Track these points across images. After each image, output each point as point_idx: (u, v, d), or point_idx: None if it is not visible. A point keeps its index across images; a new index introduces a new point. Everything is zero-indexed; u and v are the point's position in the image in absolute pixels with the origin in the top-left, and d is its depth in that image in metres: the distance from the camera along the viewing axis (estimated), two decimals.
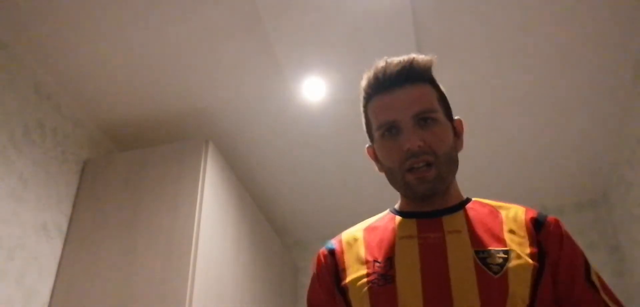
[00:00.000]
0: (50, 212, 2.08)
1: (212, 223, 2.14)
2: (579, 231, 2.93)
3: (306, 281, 3.20)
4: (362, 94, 1.01)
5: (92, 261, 2.03)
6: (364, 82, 1.00)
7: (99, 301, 1.93)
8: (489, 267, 0.84)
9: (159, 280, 1.92)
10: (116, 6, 1.89)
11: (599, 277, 0.90)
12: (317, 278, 1.01)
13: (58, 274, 2.05)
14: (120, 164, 2.26)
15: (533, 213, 0.94)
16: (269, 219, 3.17)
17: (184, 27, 1.99)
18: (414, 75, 0.95)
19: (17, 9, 1.88)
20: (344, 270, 0.95)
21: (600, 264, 2.81)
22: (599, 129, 2.53)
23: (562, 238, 0.90)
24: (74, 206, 2.21)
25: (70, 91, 2.23)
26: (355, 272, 0.93)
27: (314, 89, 2.29)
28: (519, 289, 0.82)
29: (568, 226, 2.95)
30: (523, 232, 0.90)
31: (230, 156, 2.66)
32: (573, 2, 1.92)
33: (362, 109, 1.03)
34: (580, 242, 2.89)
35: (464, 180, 2.97)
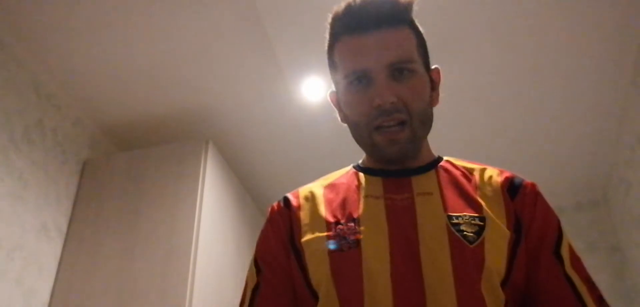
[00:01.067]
0: (50, 212, 2.08)
1: (212, 223, 2.14)
2: (579, 231, 2.93)
3: None
4: (328, 29, 0.87)
5: (92, 261, 2.03)
6: (332, 16, 0.85)
7: (98, 301, 1.93)
8: (464, 235, 0.75)
9: (159, 280, 1.92)
10: (116, 7, 1.89)
11: (571, 250, 0.80)
12: (269, 227, 0.87)
13: (58, 274, 2.05)
14: (120, 164, 2.26)
15: (508, 174, 0.85)
16: None
17: (184, 27, 1.99)
18: (393, 16, 0.82)
19: (17, 9, 1.88)
20: (300, 227, 0.83)
21: (600, 264, 2.81)
22: (599, 130, 2.53)
23: (536, 204, 0.81)
24: (74, 206, 2.21)
25: (70, 91, 2.23)
26: (312, 232, 0.81)
27: (314, 89, 2.29)
28: (496, 261, 0.74)
29: (568, 226, 2.94)
30: (498, 197, 0.81)
31: (230, 156, 2.66)
32: (573, 2, 1.92)
33: (326, 46, 0.88)
34: (580, 242, 2.89)
35: None
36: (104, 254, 2.03)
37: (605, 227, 2.90)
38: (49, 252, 2.04)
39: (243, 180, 2.83)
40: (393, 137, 0.80)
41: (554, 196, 2.98)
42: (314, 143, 2.61)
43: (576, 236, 2.90)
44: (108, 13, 1.92)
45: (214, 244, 2.13)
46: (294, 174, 2.81)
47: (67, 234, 2.14)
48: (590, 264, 2.97)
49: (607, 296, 2.77)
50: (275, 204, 0.90)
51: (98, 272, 2.00)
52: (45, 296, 1.98)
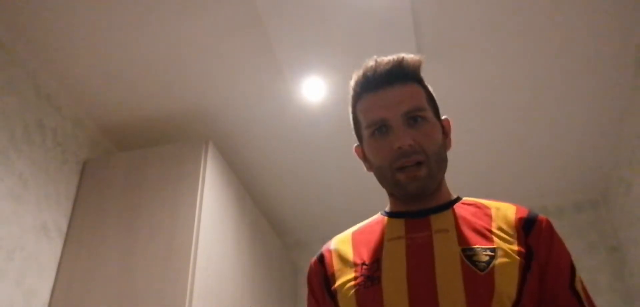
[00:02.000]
0: (50, 212, 2.08)
1: (212, 223, 2.14)
2: (579, 231, 2.93)
3: (306, 281, 3.20)
4: (350, 93, 1.02)
5: (92, 261, 2.03)
6: (353, 81, 1.00)
7: (98, 301, 1.93)
8: (475, 264, 0.84)
9: (159, 280, 1.92)
10: (116, 7, 1.89)
11: (582, 285, 0.89)
12: (309, 289, 1.02)
13: (58, 274, 2.05)
14: (120, 164, 2.26)
15: (523, 213, 0.93)
16: (269, 219, 3.17)
17: (184, 27, 1.99)
18: (403, 75, 0.96)
19: (17, 9, 1.88)
20: (333, 274, 0.96)
21: (600, 264, 2.81)
22: (599, 129, 2.53)
23: (552, 239, 0.90)
24: (74, 206, 2.21)
25: (70, 91, 2.23)
26: (343, 276, 0.93)
27: (314, 89, 2.29)
28: (505, 285, 0.82)
29: (568, 226, 2.95)
30: (512, 231, 0.89)
31: (230, 156, 2.66)
32: (573, 2, 1.92)
33: (350, 108, 1.03)
34: (580, 242, 2.89)
35: (464, 180, 2.99)
36: (104, 254, 2.03)
37: (605, 227, 2.90)
38: (49, 252, 2.04)
39: (243, 180, 2.83)
40: (413, 174, 0.91)
41: (554, 196, 2.98)
42: (314, 143, 2.61)
43: (576, 236, 2.91)
44: (108, 13, 1.92)
45: (214, 244, 2.13)
46: (294, 173, 2.81)
47: (67, 234, 2.14)
48: (590, 264, 2.98)
49: (607, 295, 2.78)
50: (312, 262, 1.03)
51: (98, 272, 2.00)
52: (45, 296, 1.99)
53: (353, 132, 1.05)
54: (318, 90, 2.29)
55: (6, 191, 1.88)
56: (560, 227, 2.94)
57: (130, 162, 2.26)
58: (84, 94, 2.25)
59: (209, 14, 1.94)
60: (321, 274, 0.98)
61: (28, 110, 2.04)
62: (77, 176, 2.26)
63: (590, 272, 2.78)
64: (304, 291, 3.16)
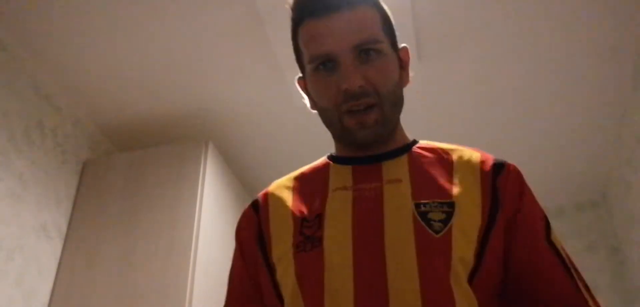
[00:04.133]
0: (50, 212, 2.08)
1: (211, 224, 2.14)
2: (579, 231, 2.93)
3: None
4: (290, 14, 0.84)
5: (92, 262, 2.03)
6: (291, 1, 0.83)
7: (98, 302, 1.93)
8: (430, 224, 0.72)
9: (159, 281, 1.92)
10: (116, 7, 1.89)
11: (557, 239, 0.78)
12: (237, 243, 0.87)
13: (58, 274, 2.04)
14: (120, 165, 2.26)
15: (489, 158, 0.82)
16: None
17: (184, 28, 1.99)
18: None
19: (17, 9, 1.88)
20: (267, 224, 0.83)
21: (600, 264, 2.81)
22: (598, 130, 2.53)
23: (522, 188, 0.78)
24: (74, 206, 2.20)
25: (70, 92, 2.23)
26: (282, 236, 0.80)
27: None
28: (463, 250, 0.70)
29: (568, 226, 2.95)
30: (476, 179, 0.77)
31: (230, 156, 2.66)
32: (572, 2, 1.92)
33: (291, 32, 0.85)
34: (580, 242, 2.89)
35: None
36: (103, 254, 2.03)
37: (605, 227, 2.90)
38: (49, 252, 2.04)
39: (243, 180, 2.83)
40: (363, 119, 0.77)
41: (554, 196, 2.98)
42: (314, 143, 2.61)
43: (576, 236, 2.90)
44: (108, 14, 1.92)
45: (214, 244, 2.13)
46: None
47: (67, 234, 2.14)
48: (590, 264, 2.98)
49: (607, 296, 2.78)
50: (244, 211, 0.89)
51: (98, 272, 1.99)
52: (45, 297, 1.98)
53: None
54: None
55: (6, 191, 1.88)
56: (560, 228, 2.93)
57: (130, 162, 2.25)
58: (84, 94, 2.25)
59: (209, 15, 1.94)
60: (255, 226, 0.84)
61: (28, 110, 2.04)
62: (76, 176, 2.26)
63: (590, 272, 2.77)
64: None
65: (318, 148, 2.62)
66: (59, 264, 2.07)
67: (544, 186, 2.91)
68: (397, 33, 0.85)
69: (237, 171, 2.76)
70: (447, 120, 2.42)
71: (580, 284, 0.74)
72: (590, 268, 2.79)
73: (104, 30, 1.98)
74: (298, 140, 2.58)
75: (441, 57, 2.12)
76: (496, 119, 2.47)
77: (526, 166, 2.78)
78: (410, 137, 0.88)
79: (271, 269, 0.80)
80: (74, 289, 1.99)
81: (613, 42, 2.07)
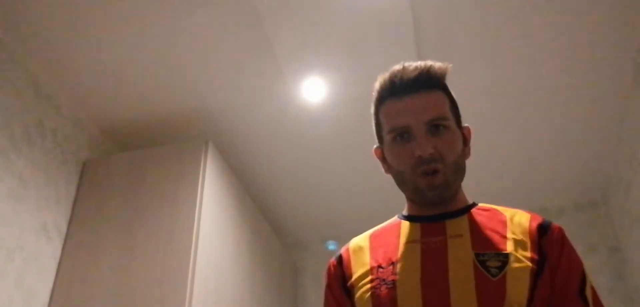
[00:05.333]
0: (50, 212, 2.08)
1: (211, 223, 2.14)
2: (579, 231, 2.93)
3: (306, 281, 3.20)
4: (375, 95, 1.02)
5: (92, 262, 2.03)
6: (378, 84, 1.01)
7: (98, 302, 1.93)
8: (488, 270, 0.86)
9: (159, 281, 1.92)
10: (116, 7, 1.89)
11: (593, 293, 0.90)
12: (328, 288, 1.05)
13: (58, 274, 2.04)
14: (120, 165, 2.26)
15: (538, 219, 0.95)
16: (268, 220, 3.17)
17: (184, 27, 1.99)
18: (429, 82, 0.97)
19: (17, 9, 1.88)
20: (350, 276, 0.99)
21: (600, 265, 2.81)
22: (599, 130, 2.53)
23: (564, 245, 0.91)
24: (74, 206, 2.20)
25: (70, 92, 2.23)
26: (360, 279, 0.95)
27: (314, 90, 2.29)
28: (516, 292, 0.83)
29: (568, 227, 2.95)
30: (526, 237, 0.91)
31: (230, 156, 2.66)
32: (573, 3, 1.92)
33: (373, 109, 1.04)
34: (580, 242, 2.89)
35: (464, 181, 2.98)
36: (103, 254, 2.03)
37: (605, 228, 2.90)
38: (49, 252, 2.04)
39: (243, 180, 2.83)
40: (430, 182, 0.93)
41: (554, 196, 2.98)
42: (313, 143, 2.61)
43: (576, 236, 2.90)
44: (108, 13, 1.92)
45: (214, 244, 2.13)
46: (294, 174, 2.81)
47: (67, 234, 2.14)
48: (590, 264, 2.98)
49: (607, 296, 2.78)
50: (331, 263, 1.06)
51: (98, 272, 1.99)
52: (45, 297, 1.98)
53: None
54: (318, 91, 2.29)
55: (6, 192, 1.88)
56: None
57: (130, 162, 2.25)
58: (84, 94, 2.25)
59: (209, 14, 1.94)
60: (339, 275, 1.02)
61: (28, 110, 2.04)
62: (76, 176, 2.26)
63: (591, 272, 2.77)
64: (303, 291, 3.16)
65: (318, 147, 2.62)
66: (59, 264, 2.07)
67: (544, 186, 2.91)
68: (461, 113, 1.03)
69: (237, 171, 2.76)
70: None
71: None
72: (590, 268, 2.79)
73: (104, 31, 1.98)
74: (298, 140, 2.58)
75: (441, 58, 2.12)
76: (496, 120, 2.47)
77: (526, 166, 2.79)
78: (471, 200, 1.03)
79: (349, 293, 0.97)
80: (73, 289, 1.99)
81: (613, 42, 2.08)
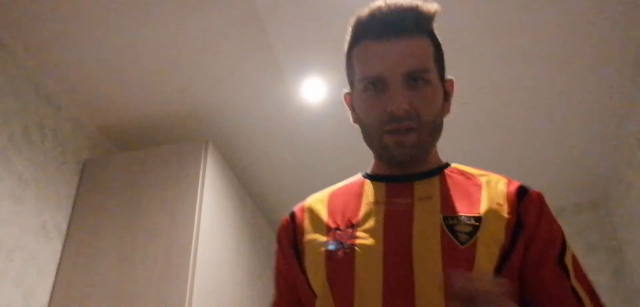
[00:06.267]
0: (50, 212, 2.08)
1: (211, 224, 2.14)
2: (579, 232, 2.93)
3: None
4: (349, 32, 0.89)
5: (92, 262, 2.03)
6: (355, 19, 0.88)
7: (98, 302, 1.93)
8: (456, 236, 0.77)
9: (159, 281, 1.92)
10: (116, 7, 1.89)
11: (574, 261, 0.82)
12: (278, 244, 0.94)
13: (57, 274, 2.04)
14: (119, 165, 2.26)
15: (516, 184, 0.86)
16: (268, 220, 3.17)
17: (183, 27, 1.99)
18: (414, 25, 0.85)
19: (17, 10, 1.88)
20: (302, 234, 0.88)
21: (600, 265, 2.81)
22: (599, 130, 2.53)
23: (542, 212, 0.83)
24: (74, 206, 2.20)
25: (70, 92, 2.23)
26: (314, 240, 0.85)
27: (314, 90, 2.29)
28: (485, 263, 0.75)
29: (568, 227, 2.94)
30: (502, 200, 0.82)
31: (230, 156, 2.66)
32: (573, 3, 1.92)
33: (346, 47, 0.91)
34: (580, 243, 2.89)
35: None
36: (103, 254, 2.03)
37: (605, 228, 2.90)
38: (49, 252, 2.04)
39: (243, 180, 2.83)
40: (401, 139, 0.82)
41: (554, 196, 2.98)
42: (313, 143, 2.61)
43: (576, 236, 2.90)
44: (108, 14, 1.92)
45: (214, 244, 2.13)
46: (294, 174, 2.81)
47: (67, 234, 2.14)
48: (590, 264, 2.97)
49: (607, 296, 2.77)
50: (284, 218, 0.95)
51: (97, 272, 1.99)
52: (45, 297, 1.98)
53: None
54: (318, 91, 2.29)
55: (6, 192, 1.88)
56: None
57: (130, 162, 2.25)
58: (84, 94, 2.25)
59: (209, 14, 1.94)
60: (291, 232, 0.91)
61: (28, 110, 2.04)
62: (76, 176, 2.26)
63: (590, 272, 2.75)
64: None
65: (318, 147, 2.62)
66: (59, 264, 2.07)
67: (544, 186, 2.91)
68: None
69: (237, 170, 2.76)
70: (447, 121, 2.42)
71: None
72: (590, 268, 2.79)
73: (104, 31, 1.98)
74: (298, 140, 2.58)
75: None
76: (496, 121, 2.46)
77: (527, 166, 2.79)
78: (444, 160, 0.92)
79: (304, 273, 0.86)
80: (73, 289, 1.99)
81: (613, 43, 2.07)
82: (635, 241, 2.56)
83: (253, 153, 2.66)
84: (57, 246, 2.08)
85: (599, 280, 2.76)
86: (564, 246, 0.82)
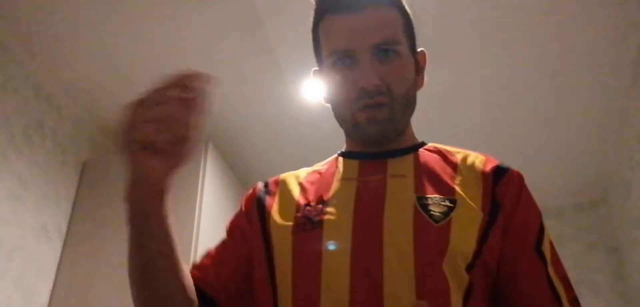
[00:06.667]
0: (50, 213, 2.07)
1: (211, 224, 2.14)
2: (579, 232, 2.93)
3: None
4: (314, 6, 0.87)
5: (92, 262, 2.03)
6: None
7: (98, 302, 1.93)
8: (430, 215, 0.73)
9: None
10: (116, 7, 1.89)
11: (551, 247, 0.78)
12: (242, 204, 0.90)
13: (57, 275, 2.04)
14: (119, 165, 2.24)
15: (493, 162, 0.83)
16: None
17: (183, 27, 1.99)
18: None
19: (17, 10, 1.88)
20: (271, 204, 0.85)
21: (599, 265, 2.80)
22: (598, 130, 2.53)
23: (521, 193, 0.79)
24: (74, 206, 2.20)
25: (70, 92, 2.23)
26: (283, 212, 0.82)
27: (314, 90, 2.29)
28: (462, 243, 0.71)
29: (568, 227, 2.94)
30: (478, 181, 0.79)
31: (230, 157, 2.66)
32: (573, 3, 1.92)
33: (312, 24, 0.89)
34: (580, 243, 2.89)
35: None
36: (103, 255, 2.03)
37: (605, 228, 2.90)
38: (49, 253, 2.03)
39: (243, 180, 2.83)
40: (373, 115, 0.79)
41: (554, 196, 2.98)
42: (313, 143, 2.61)
43: (576, 236, 2.90)
44: (108, 14, 1.92)
45: (214, 244, 2.13)
46: None
47: (67, 235, 2.14)
48: (590, 264, 2.97)
49: (607, 296, 2.76)
50: (255, 185, 0.92)
51: (97, 273, 1.99)
52: (45, 297, 1.98)
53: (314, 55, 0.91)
54: (318, 91, 2.29)
55: (6, 192, 1.87)
56: (560, 228, 2.93)
57: None
58: (84, 94, 2.25)
59: (209, 14, 1.94)
60: (261, 198, 0.87)
61: (28, 111, 2.04)
62: (76, 177, 2.26)
63: (590, 273, 2.77)
64: None
65: (318, 147, 2.62)
66: (59, 264, 2.07)
67: (544, 186, 2.91)
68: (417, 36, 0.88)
69: (237, 171, 2.76)
70: (447, 121, 2.42)
71: (564, 298, 0.74)
72: (590, 268, 2.79)
73: (104, 31, 1.98)
74: (298, 140, 2.58)
75: (441, 58, 2.12)
76: (496, 120, 2.46)
77: (527, 166, 2.77)
78: (419, 139, 0.89)
79: (267, 238, 0.81)
80: (73, 289, 1.99)
81: (613, 42, 2.07)
82: (635, 241, 2.56)
83: (253, 153, 2.66)
84: (57, 246, 2.08)
85: (599, 280, 2.76)
86: (541, 232, 0.77)
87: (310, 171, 0.91)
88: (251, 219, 0.85)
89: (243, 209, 0.89)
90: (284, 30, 2.00)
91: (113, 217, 2.12)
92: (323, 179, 0.86)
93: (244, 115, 2.42)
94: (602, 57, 2.14)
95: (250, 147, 2.62)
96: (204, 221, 2.06)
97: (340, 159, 0.89)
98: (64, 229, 2.14)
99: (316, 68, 0.92)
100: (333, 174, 0.85)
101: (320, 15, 0.86)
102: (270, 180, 0.91)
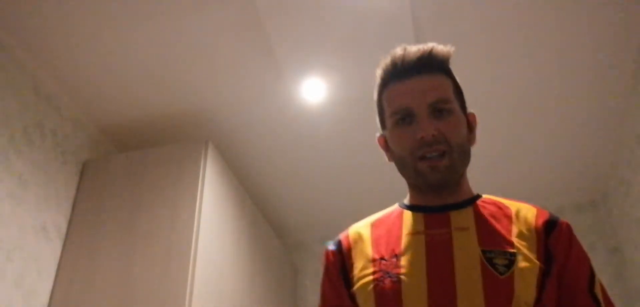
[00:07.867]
0: (50, 213, 2.07)
1: (211, 224, 2.14)
2: (579, 232, 2.89)
3: (306, 282, 3.20)
4: (377, 80, 1.00)
5: (92, 263, 2.03)
6: (380, 69, 0.99)
7: (98, 302, 1.93)
8: (495, 268, 0.83)
9: (159, 282, 1.92)
10: (116, 7, 1.89)
11: (602, 290, 0.88)
12: (326, 276, 1.00)
13: (57, 275, 2.04)
14: (119, 165, 2.26)
15: (545, 216, 0.92)
16: (268, 220, 3.17)
17: (184, 27, 1.99)
18: (432, 65, 0.95)
19: (17, 10, 1.88)
20: (351, 265, 0.95)
21: (599, 265, 2.80)
22: (598, 130, 2.53)
23: (571, 243, 0.89)
24: (74, 207, 2.20)
25: (70, 92, 2.23)
26: (362, 269, 0.92)
27: (314, 90, 2.29)
28: (524, 291, 0.81)
29: None
30: (532, 234, 0.88)
31: (230, 157, 2.66)
32: (572, 3, 1.92)
33: (376, 95, 1.01)
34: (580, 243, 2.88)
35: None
36: (103, 255, 2.03)
37: (605, 228, 2.90)
38: (49, 253, 2.03)
39: (243, 181, 2.83)
40: (434, 164, 0.89)
41: (554, 196, 2.98)
42: (313, 144, 2.61)
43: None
44: (108, 14, 1.92)
45: (214, 245, 2.13)
46: (294, 174, 2.81)
47: (67, 235, 2.14)
48: None
49: None
50: (329, 250, 1.01)
51: (97, 273, 1.99)
52: (45, 297, 1.98)
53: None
54: (318, 91, 2.29)
55: (6, 192, 1.88)
56: None
57: (130, 162, 2.25)
58: (84, 94, 2.25)
59: (208, 14, 1.94)
60: (339, 262, 0.97)
61: (28, 111, 2.04)
62: (76, 177, 2.26)
63: None
64: (303, 292, 3.16)
65: (318, 148, 2.62)
66: (59, 264, 2.07)
67: (544, 186, 2.91)
68: (465, 99, 1.02)
69: (237, 171, 2.76)
70: None
71: None
72: None
73: (104, 31, 1.98)
74: (298, 140, 2.58)
75: None
76: (496, 120, 2.47)
77: (526, 166, 2.79)
78: (475, 192, 0.99)
79: (353, 300, 0.93)
80: (73, 289, 1.99)
81: (613, 42, 2.08)
82: (635, 241, 2.56)
83: (253, 153, 2.66)
84: (57, 246, 2.08)
85: None
86: (592, 276, 0.88)
87: (375, 222, 1.00)
88: (336, 287, 0.97)
89: (326, 280, 1.00)
90: (284, 30, 2.01)
91: (113, 217, 2.12)
92: (391, 231, 0.95)
93: (244, 115, 2.42)
94: (602, 57, 2.14)
95: (250, 147, 2.62)
96: (204, 221, 2.06)
97: (405, 211, 0.98)
98: (63, 229, 2.14)
99: (380, 133, 1.03)
100: (400, 227, 0.94)
101: (383, 85, 0.99)
102: (342, 238, 1.01)
